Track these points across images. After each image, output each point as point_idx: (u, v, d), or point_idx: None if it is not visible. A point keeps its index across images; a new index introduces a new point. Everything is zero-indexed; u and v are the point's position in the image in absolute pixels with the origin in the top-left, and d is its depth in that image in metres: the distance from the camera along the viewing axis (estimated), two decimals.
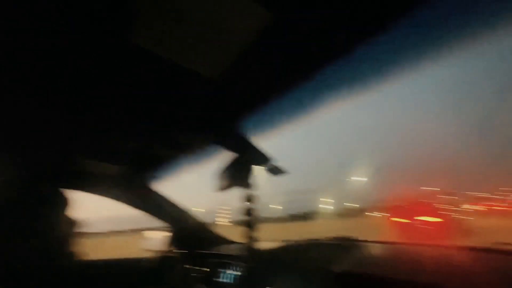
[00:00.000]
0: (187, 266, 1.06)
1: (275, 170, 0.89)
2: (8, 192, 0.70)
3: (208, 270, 1.26)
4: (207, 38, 0.47)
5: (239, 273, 1.08)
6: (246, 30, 0.46)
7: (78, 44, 0.47)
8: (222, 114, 0.76)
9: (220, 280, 1.17)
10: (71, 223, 0.77)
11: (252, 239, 0.78)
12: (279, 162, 0.91)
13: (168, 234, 1.40)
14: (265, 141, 0.94)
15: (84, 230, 0.82)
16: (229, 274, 1.15)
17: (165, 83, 0.60)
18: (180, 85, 0.61)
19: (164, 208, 1.37)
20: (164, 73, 0.56)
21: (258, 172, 0.83)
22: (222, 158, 1.01)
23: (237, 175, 0.82)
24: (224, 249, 1.36)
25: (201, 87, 0.62)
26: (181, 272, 1.02)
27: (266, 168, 0.87)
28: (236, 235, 1.68)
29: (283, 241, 1.32)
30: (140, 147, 0.93)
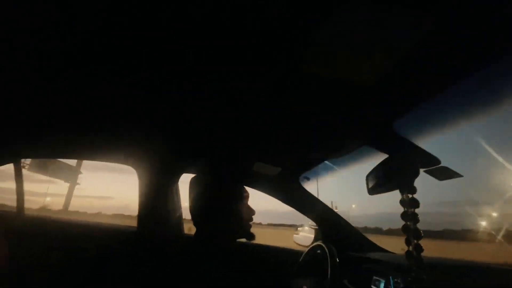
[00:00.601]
0: (335, 265, 1.08)
1: (445, 174, 0.76)
2: (213, 188, 0.99)
3: (359, 274, 1.23)
4: (365, 51, 0.50)
5: (401, 285, 0.99)
6: (402, 40, 0.47)
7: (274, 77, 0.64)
8: (377, 118, 0.75)
9: (375, 287, 1.11)
10: (250, 211, 0.99)
11: (414, 250, 0.70)
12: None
13: (318, 232, 1.48)
14: (423, 142, 0.83)
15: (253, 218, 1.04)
16: (386, 283, 1.07)
17: (322, 96, 0.67)
18: (335, 96, 0.67)
19: (314, 207, 1.47)
20: (322, 87, 0.63)
21: (421, 175, 0.75)
22: (376, 160, 0.98)
23: (392, 177, 0.77)
24: (377, 256, 1.28)
25: (357, 95, 0.65)
26: (330, 270, 1.04)
27: (433, 171, 0.76)
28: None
29: (453, 259, 1.08)
30: (299, 153, 1.08)
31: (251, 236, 1.01)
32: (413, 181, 0.69)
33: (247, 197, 0.98)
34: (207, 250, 0.85)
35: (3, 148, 1.27)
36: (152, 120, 0.97)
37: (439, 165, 0.75)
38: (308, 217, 1.52)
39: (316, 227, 1.52)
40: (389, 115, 0.74)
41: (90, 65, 0.64)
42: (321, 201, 1.46)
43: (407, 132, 0.80)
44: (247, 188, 1.04)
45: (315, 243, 1.25)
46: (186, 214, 1.41)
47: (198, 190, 0.93)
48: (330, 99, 0.69)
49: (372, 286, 1.14)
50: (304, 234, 1.60)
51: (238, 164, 1.25)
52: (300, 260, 1.26)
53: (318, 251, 1.29)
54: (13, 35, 0.52)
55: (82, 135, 1.14)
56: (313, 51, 0.52)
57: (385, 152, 0.86)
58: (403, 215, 0.72)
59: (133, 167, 1.39)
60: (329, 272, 0.96)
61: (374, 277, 1.16)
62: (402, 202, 0.73)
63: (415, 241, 0.69)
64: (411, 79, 0.57)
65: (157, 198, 1.38)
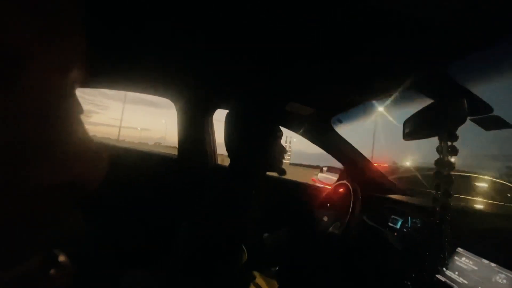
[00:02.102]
0: (357, 201, 1.14)
1: (494, 124, 0.71)
2: (249, 124, 1.02)
3: (379, 212, 1.31)
4: None
5: (418, 225, 1.06)
6: None
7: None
8: (431, 57, 0.68)
9: (393, 225, 1.20)
10: (282, 149, 1.04)
11: (442, 194, 0.72)
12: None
13: (342, 173, 1.54)
14: (476, 88, 0.75)
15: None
16: (404, 222, 1.15)
17: (368, 25, 0.60)
18: (385, 26, 0.60)
19: (342, 149, 1.49)
20: (369, 14, 0.57)
21: (468, 123, 0.71)
22: (417, 103, 0.93)
23: (435, 123, 0.74)
24: (400, 198, 1.33)
25: (412, 29, 0.58)
26: (352, 205, 1.12)
27: (482, 120, 0.71)
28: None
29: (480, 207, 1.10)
30: (335, 94, 1.04)
31: (282, 172, 1.08)
32: (456, 128, 0.67)
33: (281, 136, 1.02)
34: (240, 182, 0.94)
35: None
36: (190, 56, 0.98)
37: (491, 114, 0.70)
38: (335, 158, 1.57)
39: (342, 168, 1.57)
40: (445, 55, 0.66)
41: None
42: (350, 144, 1.47)
43: (460, 76, 0.72)
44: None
45: (340, 181, 1.32)
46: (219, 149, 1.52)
47: (233, 125, 0.98)
48: (378, 30, 0.62)
49: (389, 224, 1.23)
50: (328, 175, 1.67)
51: (271, 102, 1.26)
52: (324, 194, 1.36)
53: (341, 189, 1.37)
54: None
55: (129, 68, 1.21)
56: None
57: (431, 97, 0.80)
58: (437, 162, 0.72)
59: (171, 100, 1.47)
60: (350, 206, 1.04)
61: (393, 216, 1.24)
62: (438, 149, 0.72)
63: (445, 186, 0.71)
64: (479, 17, 0.49)
65: (194, 130, 1.49)
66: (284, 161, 1.06)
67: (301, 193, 1.63)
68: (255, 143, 0.95)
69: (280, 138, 1.02)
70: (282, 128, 1.06)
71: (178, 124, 1.51)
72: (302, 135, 1.52)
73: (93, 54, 1.01)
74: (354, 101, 1.10)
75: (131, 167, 1.53)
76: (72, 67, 0.21)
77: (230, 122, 0.98)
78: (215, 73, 1.13)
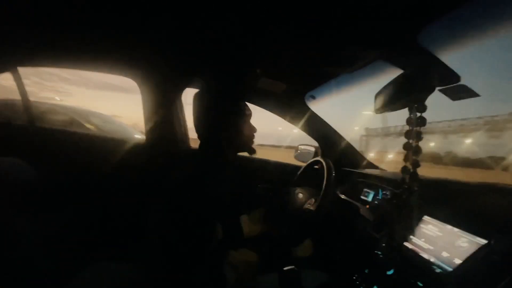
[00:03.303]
0: (330, 176, 1.15)
1: (460, 92, 0.72)
2: (215, 103, 0.96)
3: (352, 186, 1.35)
4: None
5: (388, 196, 1.09)
6: None
7: None
8: (394, 27, 0.66)
9: (365, 198, 1.24)
10: (251, 128, 1.00)
11: (411, 165, 0.73)
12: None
13: (317, 150, 1.55)
14: (445, 57, 0.75)
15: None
16: (375, 195, 1.19)
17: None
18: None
19: (316, 126, 1.49)
20: None
21: (435, 93, 0.70)
22: (387, 76, 0.91)
23: (405, 94, 0.73)
24: (371, 172, 1.37)
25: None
26: (325, 180, 1.12)
27: (449, 89, 0.71)
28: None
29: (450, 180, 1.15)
30: (307, 67, 1.00)
31: (252, 151, 1.05)
32: (425, 99, 0.66)
33: (250, 115, 0.97)
34: (211, 163, 0.90)
35: None
36: (153, 29, 0.91)
37: (458, 83, 0.70)
38: (309, 135, 1.56)
39: (316, 146, 1.57)
40: (412, 23, 0.65)
41: None
42: (323, 120, 1.47)
43: (429, 44, 0.71)
44: (251, 107, 1.02)
45: (314, 159, 1.32)
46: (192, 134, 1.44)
47: (201, 104, 0.92)
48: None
49: (361, 197, 1.27)
50: (304, 152, 1.67)
51: (241, 79, 1.20)
52: (299, 172, 1.35)
53: (316, 166, 1.37)
54: None
55: (82, 42, 1.07)
56: None
57: (400, 67, 0.79)
58: (407, 134, 0.71)
59: (134, 79, 1.34)
60: (324, 182, 1.04)
61: (364, 189, 1.28)
62: (408, 121, 0.71)
63: (414, 157, 0.71)
64: None
65: (161, 111, 1.38)
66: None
67: (275, 172, 1.62)
68: (224, 122, 0.91)
69: (250, 117, 0.97)
70: (254, 106, 1.02)
71: (144, 106, 1.39)
72: (275, 112, 1.48)
73: (32, 25, 0.88)
74: (327, 74, 1.07)
75: (93, 153, 1.41)
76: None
77: (198, 102, 0.92)
78: (182, 48, 1.04)
